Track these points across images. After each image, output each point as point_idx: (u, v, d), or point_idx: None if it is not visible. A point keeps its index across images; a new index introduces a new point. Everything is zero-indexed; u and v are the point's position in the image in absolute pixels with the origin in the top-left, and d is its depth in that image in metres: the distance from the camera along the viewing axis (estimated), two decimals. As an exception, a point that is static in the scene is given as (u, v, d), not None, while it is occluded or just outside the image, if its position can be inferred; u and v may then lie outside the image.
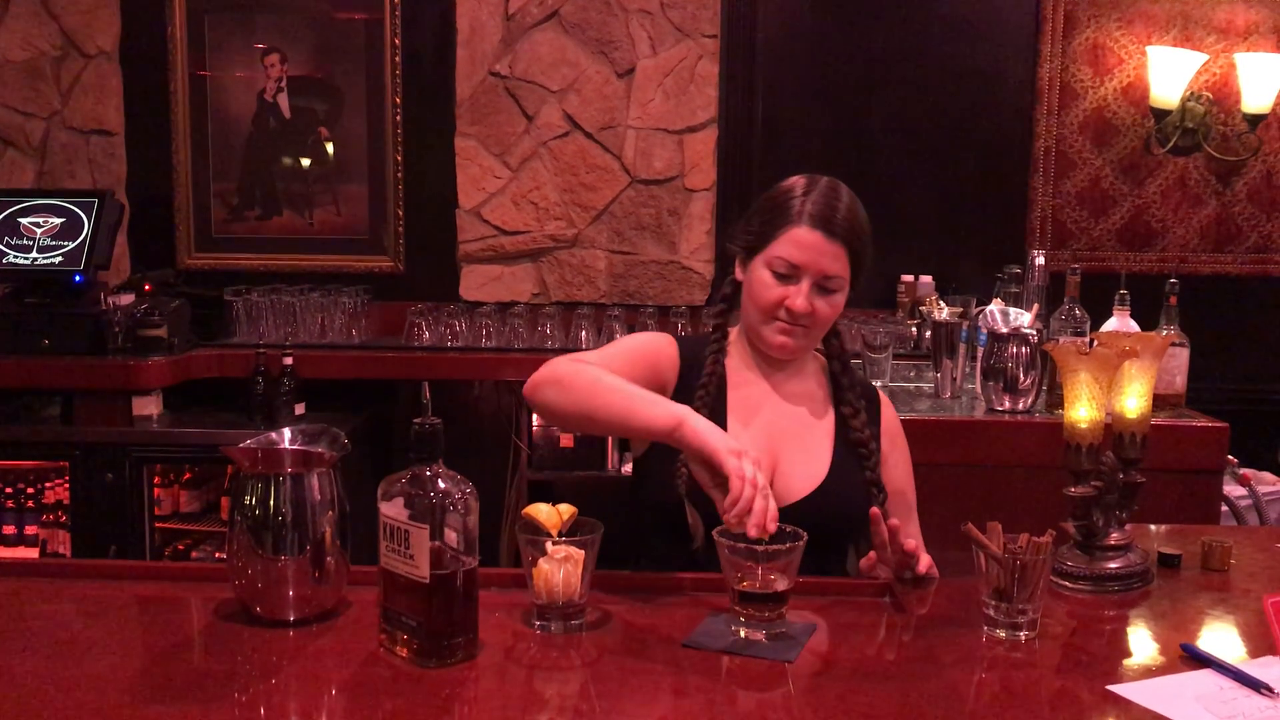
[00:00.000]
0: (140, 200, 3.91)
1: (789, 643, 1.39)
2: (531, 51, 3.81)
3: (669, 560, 1.68)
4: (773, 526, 1.41)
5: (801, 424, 1.80)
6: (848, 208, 1.72)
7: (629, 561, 1.76)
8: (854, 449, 1.79)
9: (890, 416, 1.89)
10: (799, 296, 1.70)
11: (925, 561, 1.62)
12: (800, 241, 1.70)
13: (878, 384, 2.74)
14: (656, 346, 1.82)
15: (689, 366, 1.80)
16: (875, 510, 1.60)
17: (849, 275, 1.73)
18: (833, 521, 1.69)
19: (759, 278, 1.74)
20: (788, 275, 1.71)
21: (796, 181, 1.75)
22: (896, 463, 1.86)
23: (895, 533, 1.58)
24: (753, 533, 1.41)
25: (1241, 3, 3.75)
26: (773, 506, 1.42)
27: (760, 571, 1.40)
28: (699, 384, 1.76)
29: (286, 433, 1.49)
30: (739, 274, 1.81)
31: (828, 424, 1.81)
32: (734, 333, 1.86)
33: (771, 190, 1.77)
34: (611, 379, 1.62)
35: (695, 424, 1.50)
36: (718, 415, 1.75)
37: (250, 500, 1.42)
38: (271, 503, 1.41)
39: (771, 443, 1.76)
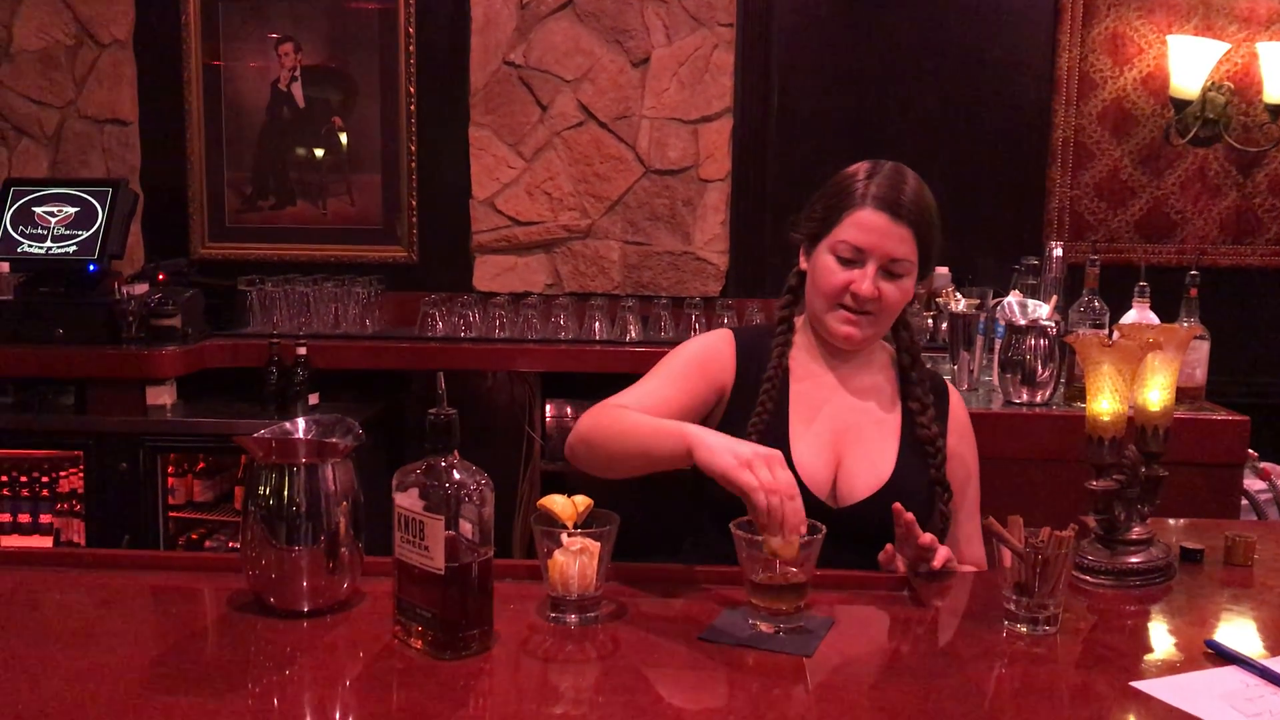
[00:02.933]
0: (154, 190, 3.92)
1: (806, 637, 1.37)
2: (546, 41, 3.79)
3: (729, 557, 1.65)
4: (803, 529, 1.39)
5: (867, 419, 1.75)
6: (914, 190, 1.69)
7: (674, 552, 1.73)
8: (920, 447, 1.74)
9: (959, 411, 1.84)
10: (865, 280, 1.66)
11: (942, 556, 1.59)
12: (864, 224, 1.66)
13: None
14: (708, 350, 1.77)
15: (748, 361, 1.75)
16: (897, 505, 1.57)
17: (917, 259, 1.70)
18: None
19: (823, 263, 1.70)
20: (852, 260, 1.68)
21: (860, 166, 1.72)
22: (963, 457, 1.81)
23: (912, 526, 1.56)
24: (793, 540, 1.38)
25: (1264, -9, 3.71)
26: (799, 507, 1.39)
27: (778, 565, 1.38)
28: (764, 378, 1.72)
29: (301, 423, 1.49)
30: (803, 263, 1.77)
31: (894, 420, 1.77)
32: (799, 324, 1.82)
33: (834, 176, 1.73)
34: (630, 420, 1.58)
35: (704, 448, 1.46)
36: (780, 410, 1.71)
37: (264, 490, 1.41)
38: (286, 493, 1.40)
39: (835, 439, 1.72)
